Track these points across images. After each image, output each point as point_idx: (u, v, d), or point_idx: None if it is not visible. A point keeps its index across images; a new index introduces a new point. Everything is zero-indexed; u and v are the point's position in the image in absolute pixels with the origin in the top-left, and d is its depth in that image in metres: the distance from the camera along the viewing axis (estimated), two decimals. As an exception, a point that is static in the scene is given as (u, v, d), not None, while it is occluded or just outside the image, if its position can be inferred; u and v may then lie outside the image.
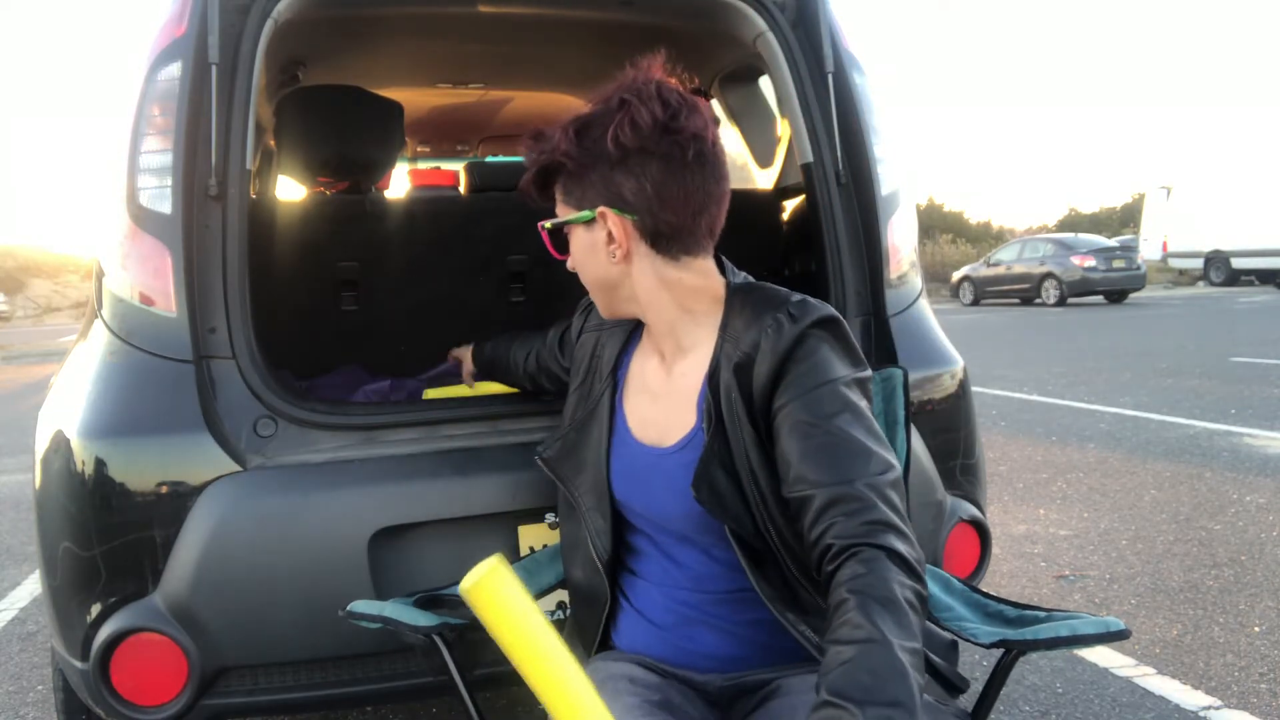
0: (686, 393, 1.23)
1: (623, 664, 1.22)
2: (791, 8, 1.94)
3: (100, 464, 1.49)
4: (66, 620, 1.52)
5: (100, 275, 1.65)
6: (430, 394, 1.89)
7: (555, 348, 1.55)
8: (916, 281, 1.96)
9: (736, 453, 1.16)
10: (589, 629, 1.30)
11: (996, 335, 12.81)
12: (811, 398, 1.11)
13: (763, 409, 1.15)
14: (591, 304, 1.41)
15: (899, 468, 1.09)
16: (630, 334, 1.34)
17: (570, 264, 1.27)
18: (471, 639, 1.35)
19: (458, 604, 1.38)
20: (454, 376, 2.46)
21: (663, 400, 1.26)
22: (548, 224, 1.25)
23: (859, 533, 1.00)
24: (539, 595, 1.47)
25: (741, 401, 1.15)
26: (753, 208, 2.57)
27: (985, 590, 1.40)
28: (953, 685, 1.24)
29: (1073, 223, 39.86)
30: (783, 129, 2.62)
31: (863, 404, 1.13)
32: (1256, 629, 2.68)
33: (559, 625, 1.55)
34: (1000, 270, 20.41)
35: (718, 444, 1.16)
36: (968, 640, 1.26)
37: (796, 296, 1.19)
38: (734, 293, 1.23)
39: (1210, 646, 2.58)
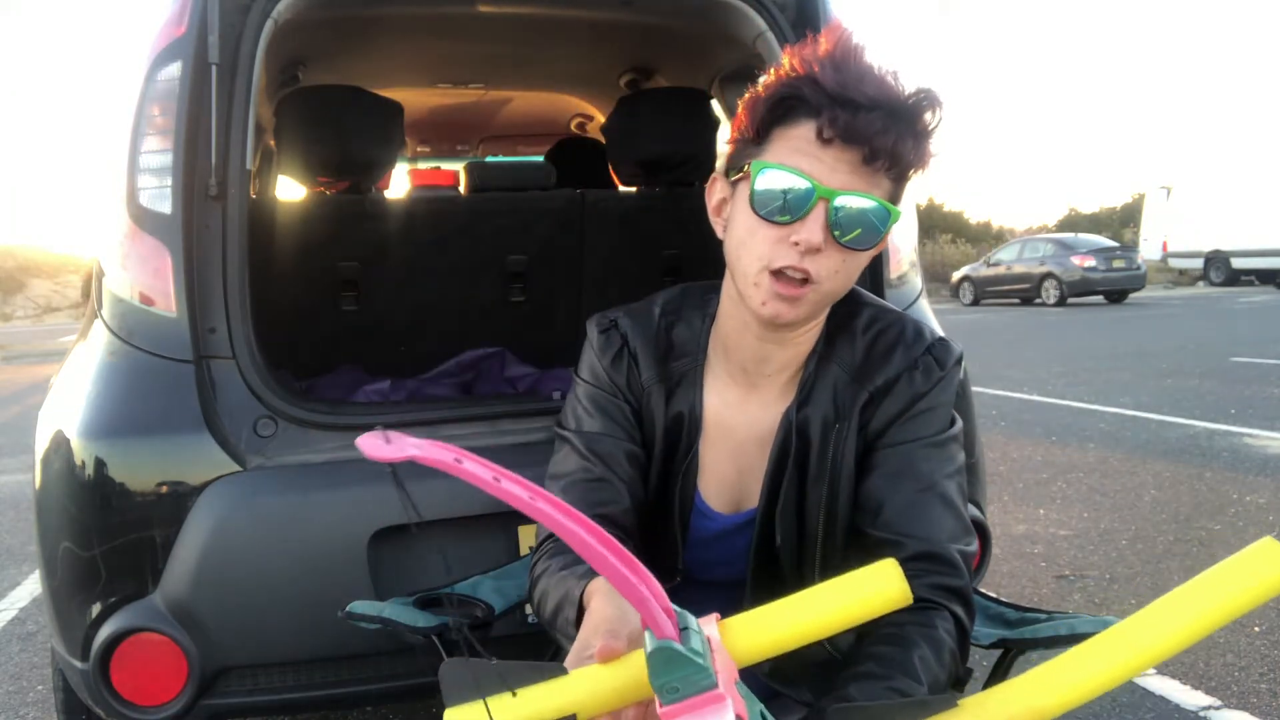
0: (767, 428, 1.13)
1: None
2: (791, 8, 1.94)
3: (100, 464, 1.49)
4: (66, 620, 1.52)
5: (100, 275, 1.65)
6: None
7: (626, 454, 1.16)
8: (916, 281, 1.96)
9: (810, 501, 1.11)
10: None
11: (996, 335, 12.80)
12: (931, 449, 1.08)
13: (871, 440, 1.10)
14: (626, 355, 1.16)
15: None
16: (702, 369, 1.15)
17: (831, 266, 1.00)
18: (471, 639, 1.35)
19: (458, 602, 1.38)
20: (453, 377, 2.47)
21: (740, 442, 1.15)
22: (889, 229, 1.00)
23: (941, 595, 1.02)
24: None
25: (855, 435, 1.10)
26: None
27: (986, 591, 1.40)
28: (958, 678, 1.25)
29: (1073, 223, 39.83)
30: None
31: (963, 459, 1.12)
32: (1256, 629, 2.68)
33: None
34: (1000, 270, 20.40)
35: (788, 499, 1.12)
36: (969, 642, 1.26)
37: (928, 331, 1.13)
38: (839, 315, 1.13)
39: (1210, 646, 2.58)
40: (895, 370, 1.09)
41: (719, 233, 1.09)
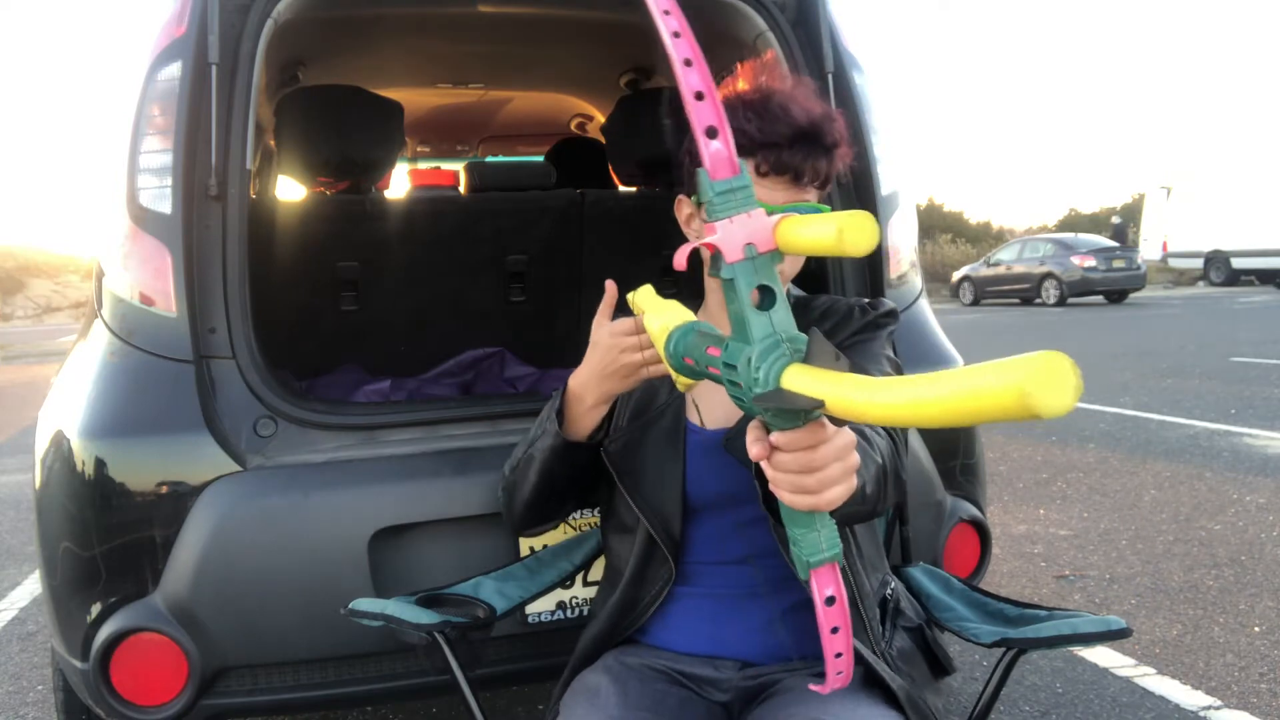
0: None
1: (637, 659, 1.23)
2: (791, 8, 1.94)
3: (100, 464, 1.49)
4: (66, 620, 1.52)
5: (100, 275, 1.65)
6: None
7: None
8: (916, 281, 1.96)
9: None
10: (624, 619, 1.28)
11: (996, 335, 12.80)
12: (866, 353, 1.25)
13: None
14: None
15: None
16: None
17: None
18: (473, 638, 1.35)
19: (460, 602, 1.38)
20: (453, 377, 2.47)
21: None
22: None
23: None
24: (539, 594, 1.47)
25: None
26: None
27: (985, 589, 1.40)
28: (941, 666, 1.28)
29: (1073, 223, 39.82)
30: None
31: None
32: (1256, 629, 2.68)
33: (558, 625, 1.54)
34: (1000, 270, 20.40)
35: None
36: (969, 640, 1.27)
37: (865, 299, 1.34)
38: (798, 301, 1.35)
39: (1210, 646, 2.58)
40: (839, 317, 1.29)
41: (693, 241, 1.24)
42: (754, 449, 0.81)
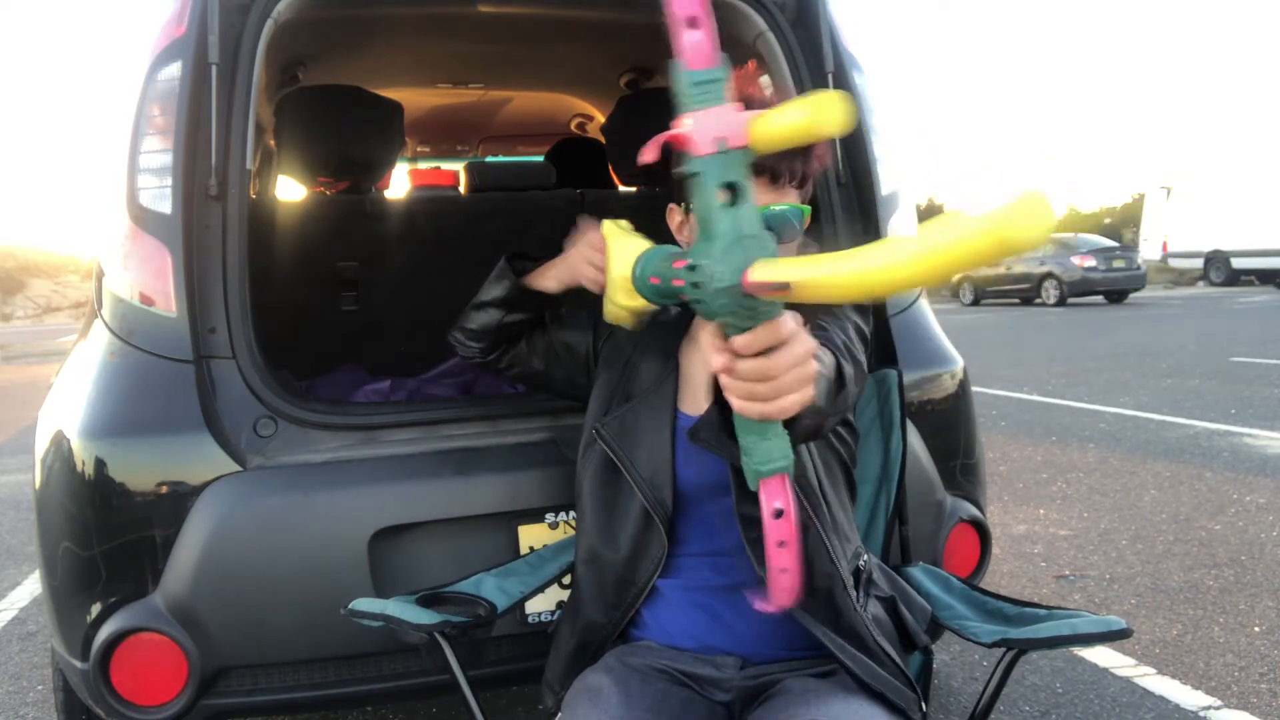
0: None
1: (639, 659, 1.24)
2: (791, 8, 1.95)
3: (100, 464, 1.49)
4: (66, 620, 1.52)
5: (100, 275, 1.65)
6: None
7: (563, 341, 1.48)
8: (916, 281, 1.96)
9: None
10: (617, 610, 1.29)
11: (996, 335, 12.81)
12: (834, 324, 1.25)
13: None
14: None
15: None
16: (684, 329, 1.39)
17: None
18: (474, 637, 1.35)
19: (460, 600, 1.38)
20: (453, 377, 2.47)
21: (703, 382, 1.29)
22: (805, 221, 1.27)
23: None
24: (539, 589, 1.47)
25: None
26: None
27: (985, 588, 1.40)
28: (910, 641, 1.28)
29: (1073, 223, 39.81)
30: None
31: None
32: (1256, 629, 2.68)
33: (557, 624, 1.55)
34: (1000, 270, 20.38)
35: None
36: (969, 639, 1.27)
37: None
38: None
39: (1210, 646, 2.58)
40: None
41: (684, 248, 1.31)
42: (716, 360, 0.81)
